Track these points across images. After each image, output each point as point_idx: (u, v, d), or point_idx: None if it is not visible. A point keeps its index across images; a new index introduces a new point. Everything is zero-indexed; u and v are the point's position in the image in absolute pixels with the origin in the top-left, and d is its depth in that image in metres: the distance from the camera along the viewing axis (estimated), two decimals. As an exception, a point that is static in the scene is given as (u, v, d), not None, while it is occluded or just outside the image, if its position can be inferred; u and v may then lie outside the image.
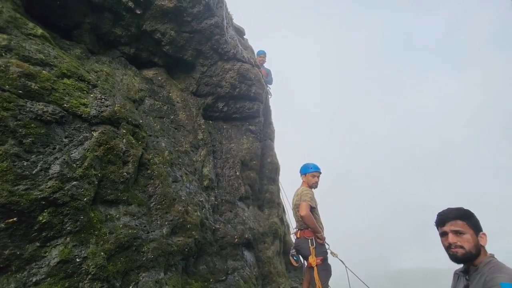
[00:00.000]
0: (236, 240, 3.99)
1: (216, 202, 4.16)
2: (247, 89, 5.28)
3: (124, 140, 2.91)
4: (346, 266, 4.89)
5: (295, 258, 5.54)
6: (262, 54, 7.63)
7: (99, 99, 2.87)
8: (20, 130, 2.10)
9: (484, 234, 1.65)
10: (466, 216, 1.66)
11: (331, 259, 4.43)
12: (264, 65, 7.49)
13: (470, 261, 1.62)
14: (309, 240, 4.20)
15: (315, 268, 4.05)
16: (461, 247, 1.61)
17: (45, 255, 2.02)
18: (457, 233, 1.63)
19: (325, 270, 4.12)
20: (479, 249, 1.60)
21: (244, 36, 7.16)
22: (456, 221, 1.65)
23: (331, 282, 4.22)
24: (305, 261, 4.48)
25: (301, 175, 4.67)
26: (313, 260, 4.08)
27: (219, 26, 4.70)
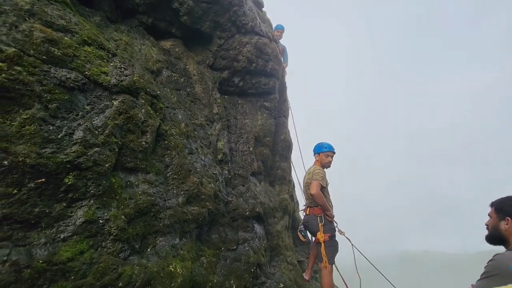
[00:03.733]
0: (247, 213, 4.11)
1: (229, 176, 4.25)
2: (264, 65, 5.17)
3: (143, 110, 2.95)
4: (352, 244, 5.00)
5: (303, 233, 5.70)
6: (280, 29, 7.34)
7: (118, 68, 2.88)
8: (45, 95, 2.16)
9: (510, 218, 1.74)
10: (495, 203, 1.89)
11: (338, 237, 4.53)
12: (280, 41, 7.25)
13: (495, 242, 1.82)
14: (318, 217, 4.29)
15: (323, 244, 4.17)
16: (487, 228, 1.87)
17: (71, 214, 2.15)
18: (488, 216, 1.90)
19: (332, 246, 4.24)
20: (500, 232, 1.73)
21: (263, 9, 6.89)
22: (490, 207, 1.91)
23: (337, 259, 4.35)
24: (312, 237, 4.61)
25: (314, 154, 4.67)
26: (321, 236, 4.19)
27: (238, -4, 4.53)
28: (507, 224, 1.76)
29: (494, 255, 1.64)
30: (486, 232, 1.92)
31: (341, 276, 4.97)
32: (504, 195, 1.91)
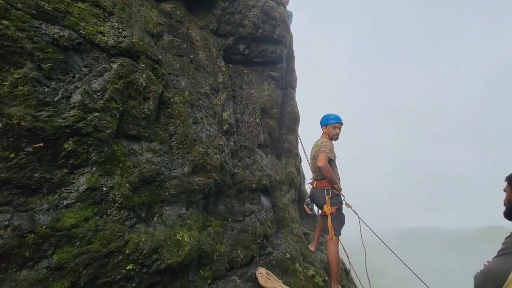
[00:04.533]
0: (254, 185, 4.04)
1: (235, 148, 4.14)
2: (271, 30, 4.85)
3: (144, 75, 2.77)
4: (359, 217, 4.98)
5: (309, 206, 5.67)
6: None
7: (116, 28, 2.67)
8: (37, 53, 1.99)
9: None
10: (509, 177, 1.84)
11: (345, 210, 4.49)
12: (287, 7, 6.80)
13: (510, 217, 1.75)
14: (325, 190, 4.22)
15: (329, 216, 4.13)
16: (504, 204, 1.81)
17: (73, 181, 2.07)
18: (504, 192, 1.84)
19: (339, 219, 4.21)
20: None
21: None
22: (505, 182, 1.86)
23: (343, 231, 4.34)
24: (319, 209, 4.57)
25: (321, 126, 4.51)
26: (328, 208, 4.15)
27: (243, -48, 4.14)
28: None
29: None
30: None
31: (344, 249, 5.01)
32: (508, 173, 1.86)
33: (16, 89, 1.86)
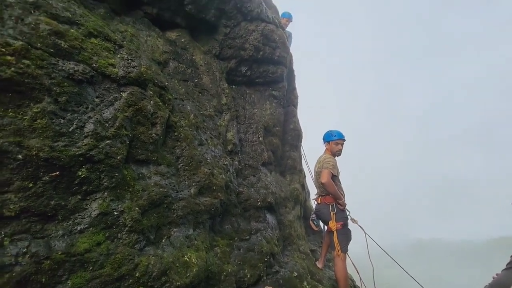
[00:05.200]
0: (259, 203, 4.09)
1: (240, 167, 4.23)
2: (271, 52, 5.06)
3: (152, 102, 2.92)
4: (365, 232, 4.95)
5: (315, 222, 5.67)
6: (287, 17, 7.08)
7: (125, 59, 2.85)
8: (54, 88, 2.15)
9: None
10: None
11: (351, 226, 4.49)
12: (286, 29, 7.03)
13: None
14: (330, 206, 4.25)
15: (335, 232, 4.14)
16: None
17: (86, 207, 2.16)
18: None
19: (345, 234, 4.20)
20: None
21: (268, -5, 6.70)
22: None
23: (349, 247, 4.32)
24: (325, 225, 4.58)
25: (324, 142, 4.60)
26: (333, 224, 4.16)
27: (243, -18, 4.41)
28: None
29: None
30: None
31: (353, 264, 4.95)
32: None
33: (35, 122, 2.00)
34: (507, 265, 1.57)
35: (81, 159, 2.16)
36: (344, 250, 4.13)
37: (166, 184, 2.85)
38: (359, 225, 4.83)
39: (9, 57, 1.93)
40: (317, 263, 4.83)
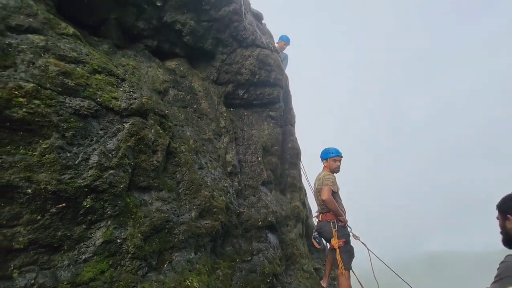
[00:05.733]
0: (260, 223, 4.14)
1: (240, 187, 4.32)
2: (267, 75, 5.28)
3: (153, 130, 3.08)
4: (368, 249, 4.93)
5: (317, 240, 5.66)
6: (284, 41, 7.34)
7: (127, 92, 3.03)
8: (62, 124, 2.31)
9: (511, 216, 1.69)
10: (498, 204, 1.84)
11: (354, 242, 4.49)
12: (283, 51, 7.29)
13: (508, 245, 1.76)
14: (331, 223, 4.27)
15: (338, 250, 4.14)
16: (500, 233, 1.81)
17: (90, 236, 2.26)
18: (497, 220, 1.84)
19: (348, 251, 4.20)
20: (509, 233, 1.67)
21: (262, 21, 7.05)
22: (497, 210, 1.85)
23: (356, 263, 4.30)
24: (327, 243, 4.58)
25: (322, 160, 4.69)
26: (335, 242, 4.17)
27: (237, 12, 4.68)
28: (510, 222, 1.71)
29: (506, 257, 1.61)
30: None
31: (359, 282, 4.89)
32: None
33: (43, 158, 2.14)
34: (495, 277, 1.62)
35: (86, 189, 2.29)
36: (348, 268, 4.12)
37: (168, 209, 2.95)
38: (362, 242, 4.82)
39: (21, 99, 2.11)
40: (321, 282, 4.79)
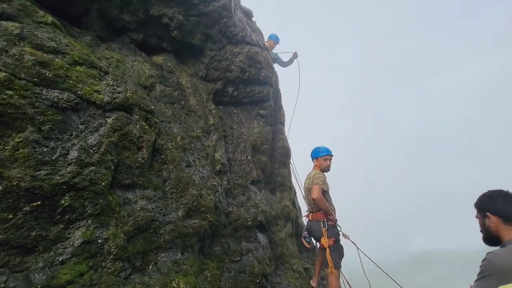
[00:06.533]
0: (249, 222, 4.06)
1: (229, 186, 4.22)
2: (257, 73, 5.20)
3: (138, 126, 2.95)
4: (358, 248, 4.93)
5: (307, 240, 5.63)
6: (273, 40, 7.29)
7: (111, 85, 2.89)
8: (38, 117, 2.16)
9: (490, 213, 1.70)
10: (475, 203, 1.83)
11: (344, 241, 4.47)
12: (273, 50, 7.23)
13: (492, 243, 1.73)
14: (321, 222, 4.24)
15: (328, 249, 4.11)
16: (480, 231, 1.79)
17: (69, 236, 2.12)
18: (476, 218, 1.83)
19: (337, 251, 4.18)
20: (489, 231, 1.69)
21: (252, 19, 6.99)
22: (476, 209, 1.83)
23: (346, 263, 4.28)
24: (317, 242, 4.55)
25: (312, 159, 4.66)
26: (325, 241, 4.13)
27: (226, 8, 4.59)
28: (490, 220, 1.70)
29: (487, 254, 1.60)
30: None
31: (347, 281, 4.88)
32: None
33: (16, 152, 1.99)
34: (478, 275, 1.61)
35: (64, 187, 2.14)
36: (337, 267, 4.10)
37: (153, 208, 2.82)
38: (351, 241, 4.81)
39: (-9, 89, 1.95)
40: (311, 281, 4.74)
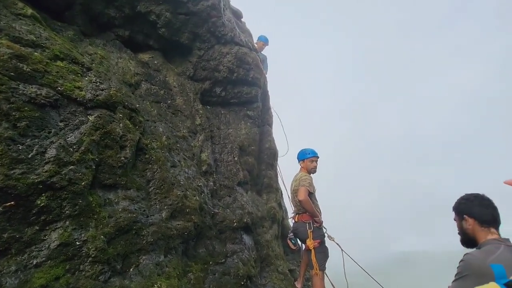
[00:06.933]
0: (235, 224, 4.03)
1: (215, 187, 4.17)
2: (245, 74, 5.19)
3: (121, 125, 2.87)
4: (342, 249, 4.98)
5: (293, 241, 5.64)
6: (262, 41, 7.28)
7: (94, 82, 2.80)
8: (13, 113, 2.06)
9: (467, 216, 1.73)
10: (453, 206, 1.86)
11: (329, 243, 4.51)
12: (262, 52, 7.24)
13: (470, 245, 1.77)
14: (307, 224, 4.25)
15: (313, 251, 4.13)
16: (458, 233, 1.82)
17: (44, 238, 2.03)
18: (454, 221, 1.85)
19: (323, 252, 4.21)
20: (466, 233, 1.72)
21: (242, 19, 6.97)
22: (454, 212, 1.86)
23: (330, 265, 4.31)
24: (302, 244, 4.56)
25: (299, 161, 4.67)
26: (310, 243, 4.15)
27: (216, 8, 4.56)
28: (467, 222, 1.74)
29: (464, 255, 1.63)
30: None
31: (331, 283, 4.92)
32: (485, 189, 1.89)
33: (-11, 150, 1.88)
34: (455, 275, 1.64)
35: (41, 186, 2.05)
36: (322, 268, 4.12)
37: (136, 209, 2.75)
38: (336, 243, 4.86)
39: (-38, 82, 1.84)
40: (296, 283, 4.75)
